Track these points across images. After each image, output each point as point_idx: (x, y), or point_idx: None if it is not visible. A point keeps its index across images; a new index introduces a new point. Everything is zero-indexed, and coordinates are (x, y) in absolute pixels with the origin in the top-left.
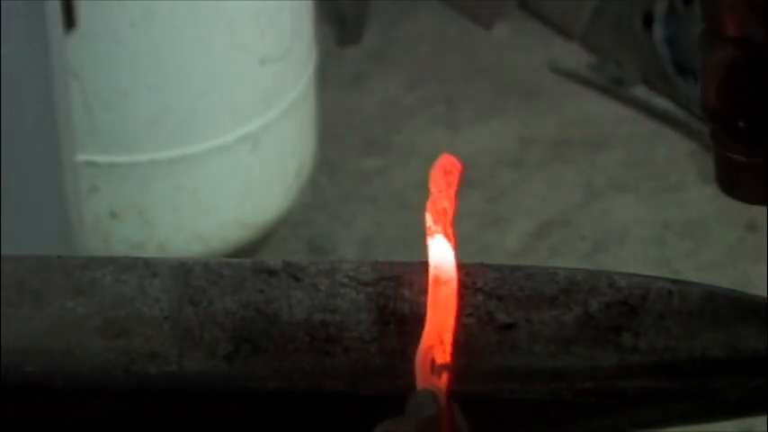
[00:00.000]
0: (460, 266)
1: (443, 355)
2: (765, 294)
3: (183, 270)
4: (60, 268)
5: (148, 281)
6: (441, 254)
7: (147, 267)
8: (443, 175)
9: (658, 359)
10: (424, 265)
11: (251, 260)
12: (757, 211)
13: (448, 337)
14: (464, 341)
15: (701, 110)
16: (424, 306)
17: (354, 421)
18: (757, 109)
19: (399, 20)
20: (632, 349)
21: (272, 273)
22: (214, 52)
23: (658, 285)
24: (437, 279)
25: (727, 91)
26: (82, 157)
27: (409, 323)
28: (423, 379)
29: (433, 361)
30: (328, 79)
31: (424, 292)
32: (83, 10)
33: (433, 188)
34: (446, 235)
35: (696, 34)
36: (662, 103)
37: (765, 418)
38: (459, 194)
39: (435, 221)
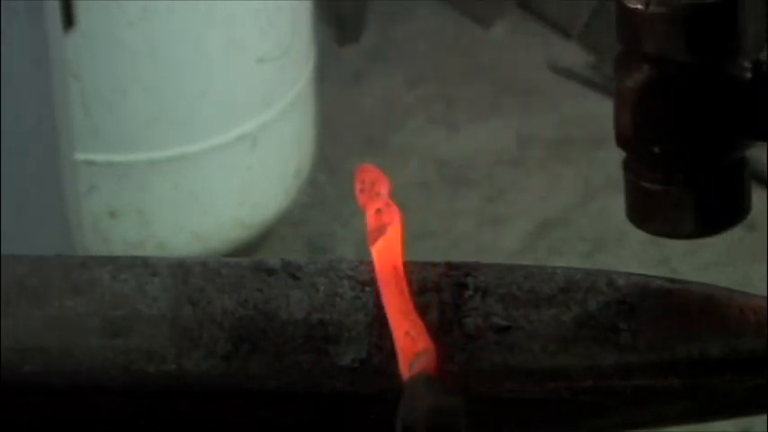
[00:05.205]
0: (457, 266)
1: (419, 340)
2: (765, 294)
3: (181, 269)
4: (59, 267)
5: (147, 280)
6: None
7: (145, 267)
8: (372, 183)
9: (657, 358)
10: (424, 263)
11: (250, 259)
12: (757, 210)
13: (415, 319)
14: (463, 341)
15: (616, 139)
16: (421, 305)
17: (354, 421)
18: (674, 132)
19: (398, 19)
20: (631, 348)
21: (270, 272)
22: (213, 51)
23: (657, 284)
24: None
25: (643, 113)
26: (81, 156)
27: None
28: (405, 368)
29: (410, 349)
30: (327, 78)
31: (423, 290)
32: (81, 9)
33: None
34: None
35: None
36: None
37: (765, 417)
38: (457, 194)
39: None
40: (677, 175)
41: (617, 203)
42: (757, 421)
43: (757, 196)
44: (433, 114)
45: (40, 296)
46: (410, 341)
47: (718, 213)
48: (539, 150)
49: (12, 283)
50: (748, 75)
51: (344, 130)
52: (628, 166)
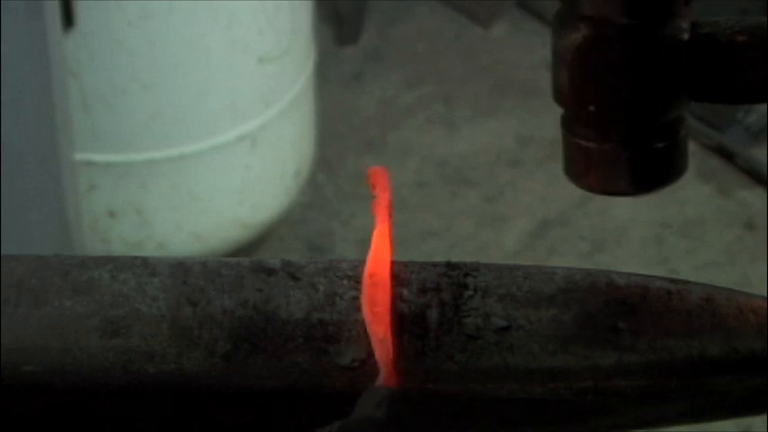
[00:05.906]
0: (457, 266)
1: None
2: (764, 294)
3: (181, 269)
4: (59, 267)
5: (147, 280)
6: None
7: (145, 266)
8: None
9: (657, 358)
10: (424, 263)
11: (249, 259)
12: (756, 210)
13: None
14: (463, 341)
15: (553, 95)
16: (421, 305)
17: None
18: (609, 92)
19: (397, 18)
20: (631, 348)
21: (270, 272)
22: (212, 51)
23: (657, 285)
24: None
25: (579, 72)
26: (80, 156)
27: (408, 322)
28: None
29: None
30: (327, 78)
31: (423, 290)
32: (81, 9)
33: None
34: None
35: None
36: None
37: (764, 417)
38: (457, 194)
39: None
40: (612, 134)
41: (617, 203)
42: (757, 421)
43: (757, 196)
44: (433, 114)
45: (39, 296)
46: (379, 352)
47: (653, 172)
48: (538, 150)
49: (12, 283)
50: (686, 36)
51: (344, 130)
52: (565, 122)
